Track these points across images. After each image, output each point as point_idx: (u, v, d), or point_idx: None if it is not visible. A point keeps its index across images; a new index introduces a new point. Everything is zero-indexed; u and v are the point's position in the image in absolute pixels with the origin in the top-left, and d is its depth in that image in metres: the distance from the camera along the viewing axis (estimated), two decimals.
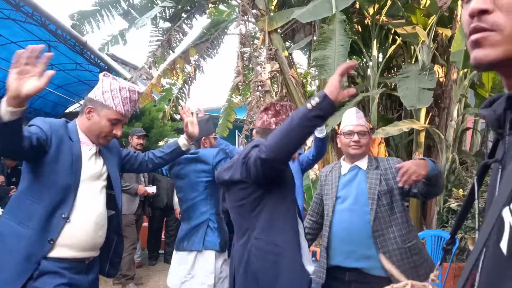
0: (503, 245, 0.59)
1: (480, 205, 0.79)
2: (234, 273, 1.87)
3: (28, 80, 1.48)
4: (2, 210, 4.90)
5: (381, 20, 4.87)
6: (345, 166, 2.31)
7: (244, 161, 1.75)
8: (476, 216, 0.79)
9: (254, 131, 2.20)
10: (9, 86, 1.46)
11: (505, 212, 0.58)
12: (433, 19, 4.63)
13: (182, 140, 2.34)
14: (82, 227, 1.84)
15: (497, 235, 0.60)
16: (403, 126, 4.20)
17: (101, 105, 1.91)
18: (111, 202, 2.02)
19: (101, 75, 1.99)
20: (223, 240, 2.72)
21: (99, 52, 7.42)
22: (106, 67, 8.47)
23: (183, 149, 2.34)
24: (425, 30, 4.58)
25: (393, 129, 4.12)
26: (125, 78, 7.88)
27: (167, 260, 6.20)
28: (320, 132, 3.21)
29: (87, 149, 1.92)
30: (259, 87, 5.31)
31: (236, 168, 1.82)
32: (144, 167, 2.31)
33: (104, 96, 1.92)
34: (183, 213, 2.83)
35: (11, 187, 5.31)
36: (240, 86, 6.32)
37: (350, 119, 2.29)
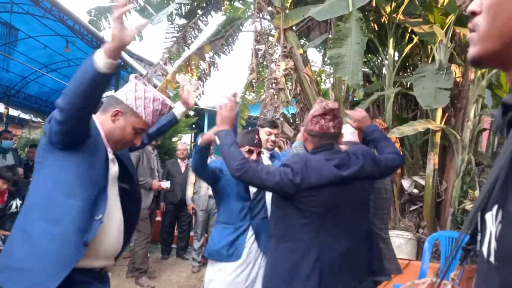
0: (484, 249, 0.61)
1: None
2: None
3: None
4: (20, 202, 5.00)
5: (398, 18, 4.82)
6: None
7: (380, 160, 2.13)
8: None
9: (301, 134, 2.25)
10: (114, 36, 1.41)
11: (488, 216, 0.60)
12: (451, 18, 4.57)
13: (178, 110, 2.31)
14: (110, 233, 1.70)
15: (481, 238, 0.63)
16: (419, 126, 4.17)
17: (131, 111, 1.75)
18: (132, 203, 1.88)
19: (132, 77, 1.82)
20: None
21: None
22: (122, 63, 8.55)
23: (179, 118, 2.34)
24: (442, 29, 4.52)
25: (408, 129, 4.09)
26: (140, 74, 7.94)
27: (180, 255, 6.26)
28: None
29: (108, 149, 1.77)
30: (273, 85, 5.31)
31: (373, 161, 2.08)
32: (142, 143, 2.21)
33: (136, 103, 1.76)
34: None
35: (30, 179, 5.41)
36: (254, 84, 6.33)
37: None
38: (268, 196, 2.66)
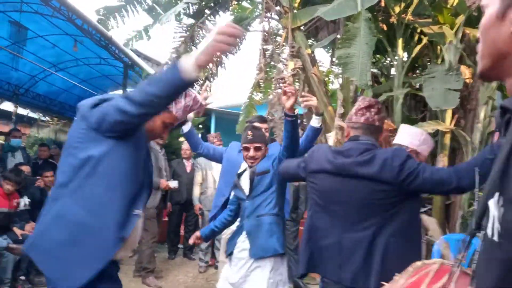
0: (489, 230, 0.71)
1: None
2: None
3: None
4: (29, 200, 5.03)
5: (407, 19, 4.78)
6: None
7: (402, 168, 1.86)
8: None
9: (348, 128, 2.18)
10: (211, 53, 1.50)
11: (490, 203, 0.71)
12: (461, 18, 4.52)
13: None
14: (138, 226, 1.71)
15: (485, 223, 0.73)
16: (428, 127, 4.13)
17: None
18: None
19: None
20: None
21: (123, 47, 7.52)
22: (130, 62, 8.57)
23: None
24: (452, 29, 4.48)
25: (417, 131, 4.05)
26: (147, 74, 7.97)
27: (186, 255, 6.26)
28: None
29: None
30: (281, 85, 5.29)
31: (383, 163, 1.90)
32: None
33: None
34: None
35: (37, 177, 5.43)
36: (261, 84, 6.31)
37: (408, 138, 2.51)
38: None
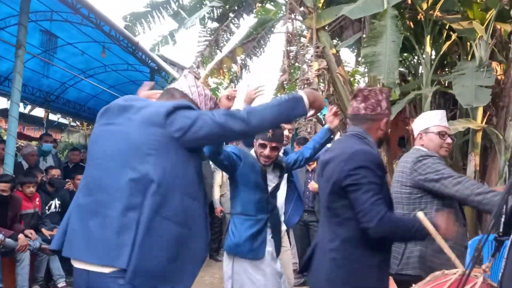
0: None
1: None
2: None
3: None
4: (59, 202, 5.15)
5: (435, 15, 4.68)
6: None
7: (349, 184, 1.74)
8: None
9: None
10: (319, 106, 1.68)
11: None
12: (491, 13, 4.40)
13: None
14: None
15: None
16: (459, 125, 4.02)
17: (196, 106, 1.72)
18: None
19: (187, 72, 1.81)
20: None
21: (150, 52, 7.64)
22: (156, 67, 8.70)
23: None
24: (482, 25, 4.36)
25: None
26: (173, 79, 8.07)
27: (212, 256, 6.28)
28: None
29: None
30: (306, 85, 5.26)
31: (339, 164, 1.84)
32: None
33: (199, 99, 1.75)
34: None
35: (66, 180, 5.57)
36: (285, 85, 6.30)
37: (444, 119, 2.34)
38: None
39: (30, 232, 4.33)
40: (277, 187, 2.73)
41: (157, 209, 1.47)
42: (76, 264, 1.52)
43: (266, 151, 2.54)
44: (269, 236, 2.60)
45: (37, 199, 4.82)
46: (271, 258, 2.59)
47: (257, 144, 2.59)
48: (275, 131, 2.57)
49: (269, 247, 2.59)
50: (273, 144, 2.55)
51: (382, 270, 1.78)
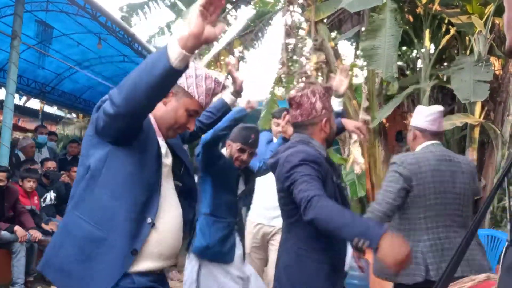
0: None
1: None
2: None
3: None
4: (55, 194, 5.12)
5: (434, 9, 4.65)
6: None
7: (287, 176, 1.72)
8: None
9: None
10: (193, 23, 1.21)
11: None
12: (490, 8, 4.38)
13: (227, 97, 2.21)
14: (167, 233, 1.55)
15: None
16: (456, 120, 4.02)
17: (183, 91, 1.59)
18: (188, 196, 1.74)
19: None
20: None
21: (147, 44, 7.58)
22: None
23: (230, 104, 2.22)
24: (481, 19, 4.34)
25: (445, 123, 3.92)
26: None
27: None
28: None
29: (160, 140, 1.61)
30: (304, 79, 5.24)
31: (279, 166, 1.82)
32: (194, 136, 2.17)
33: (187, 82, 1.59)
34: None
35: (61, 172, 5.55)
36: (283, 78, 6.27)
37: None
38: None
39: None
40: (249, 192, 2.77)
41: (74, 205, 1.49)
42: None
43: (244, 156, 2.53)
44: (238, 239, 2.57)
45: (36, 197, 4.80)
46: (240, 261, 2.55)
47: (235, 147, 2.53)
48: (256, 136, 2.56)
49: (239, 250, 2.56)
50: (252, 150, 2.55)
51: (332, 273, 1.76)
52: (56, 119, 14.57)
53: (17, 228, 4.12)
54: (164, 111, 1.60)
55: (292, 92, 1.87)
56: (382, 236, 1.38)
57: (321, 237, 1.67)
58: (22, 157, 5.66)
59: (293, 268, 1.73)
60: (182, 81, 1.57)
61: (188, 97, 1.60)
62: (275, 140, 2.97)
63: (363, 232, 1.42)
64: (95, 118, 1.45)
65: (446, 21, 4.84)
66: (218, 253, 2.44)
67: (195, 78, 1.60)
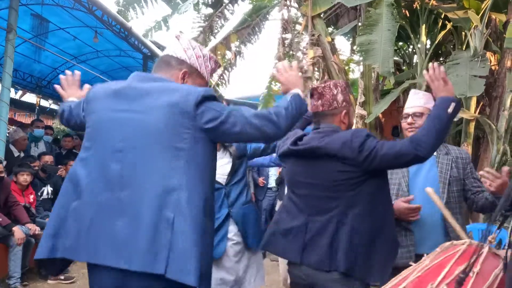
0: None
1: None
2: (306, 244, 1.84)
3: None
4: (51, 188, 5.12)
5: (430, 4, 4.66)
6: None
7: (362, 149, 1.75)
8: None
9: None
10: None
11: None
12: (486, 3, 4.39)
13: None
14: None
15: None
16: None
17: (196, 71, 1.59)
18: None
19: (179, 33, 1.65)
20: None
21: (143, 38, 7.56)
22: (149, 54, 8.62)
23: None
24: (478, 14, 4.34)
25: None
26: None
27: None
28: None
29: None
30: (300, 73, 5.23)
31: (342, 145, 1.79)
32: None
33: (198, 61, 1.59)
34: None
35: (59, 166, 5.54)
36: None
37: (408, 101, 2.30)
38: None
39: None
40: (240, 177, 2.50)
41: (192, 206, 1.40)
42: (100, 268, 1.40)
43: None
44: (234, 232, 2.42)
45: (32, 196, 4.77)
46: (234, 254, 2.42)
47: None
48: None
49: (233, 243, 2.42)
50: None
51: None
52: (52, 113, 14.53)
53: (15, 229, 4.10)
54: None
55: (315, 83, 1.95)
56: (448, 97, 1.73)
57: (381, 200, 1.85)
58: (15, 150, 5.58)
59: (361, 238, 1.76)
60: (194, 62, 1.59)
61: (200, 78, 1.62)
62: None
63: (442, 110, 1.70)
64: (212, 117, 1.45)
65: (442, 16, 4.85)
66: None
67: (203, 58, 1.61)
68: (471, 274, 1.15)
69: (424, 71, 1.88)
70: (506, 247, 1.02)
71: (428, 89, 4.68)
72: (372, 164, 1.74)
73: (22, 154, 5.64)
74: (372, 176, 1.80)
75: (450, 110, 1.69)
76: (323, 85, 1.96)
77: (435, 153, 2.18)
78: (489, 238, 1.13)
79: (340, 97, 1.93)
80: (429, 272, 1.28)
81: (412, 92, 2.33)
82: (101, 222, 1.39)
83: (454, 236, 1.96)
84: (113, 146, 1.44)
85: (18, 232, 4.09)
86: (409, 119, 2.23)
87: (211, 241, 1.50)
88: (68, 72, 2.05)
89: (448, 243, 1.43)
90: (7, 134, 5.71)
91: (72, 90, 1.99)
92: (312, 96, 1.97)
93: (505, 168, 2.07)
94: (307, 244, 1.83)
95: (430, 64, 1.85)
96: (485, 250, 1.25)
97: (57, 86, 2.00)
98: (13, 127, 7.52)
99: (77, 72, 2.04)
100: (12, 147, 5.57)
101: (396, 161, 1.75)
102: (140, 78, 1.58)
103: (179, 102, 1.43)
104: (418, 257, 1.95)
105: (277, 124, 1.53)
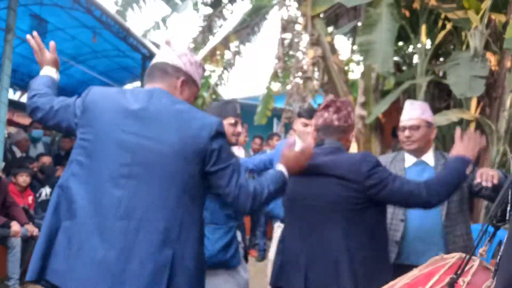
0: None
1: None
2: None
3: None
4: (50, 190, 5.09)
5: (430, 4, 4.65)
6: (409, 159, 2.26)
7: (370, 175, 1.71)
8: None
9: (314, 131, 2.03)
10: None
11: None
12: (486, 3, 4.37)
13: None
14: None
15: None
16: (452, 115, 4.03)
17: (191, 79, 1.57)
18: None
19: (170, 41, 1.61)
20: None
21: (142, 38, 7.53)
22: (148, 54, 8.60)
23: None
24: (478, 15, 4.34)
25: (441, 119, 3.96)
26: None
27: None
28: None
29: None
30: (300, 73, 5.23)
31: (350, 167, 1.74)
32: None
33: (192, 69, 1.56)
34: None
35: (56, 167, 5.52)
36: (279, 73, 6.26)
37: (404, 112, 2.28)
38: None
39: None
40: None
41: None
42: None
43: (239, 128, 2.28)
44: (240, 243, 2.39)
45: (30, 197, 4.75)
46: (241, 265, 2.38)
47: (227, 123, 2.24)
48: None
49: (241, 247, 2.39)
50: (241, 120, 2.32)
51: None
52: None
53: (13, 223, 4.10)
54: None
55: (331, 96, 1.95)
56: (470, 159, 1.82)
57: (381, 230, 1.82)
58: (17, 151, 5.61)
59: (363, 263, 1.72)
60: (189, 69, 1.55)
61: (195, 86, 1.61)
62: (297, 140, 2.60)
63: (461, 168, 1.78)
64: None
65: (442, 16, 4.83)
66: (223, 260, 2.25)
67: (195, 65, 1.59)
68: (461, 283, 1.13)
69: (459, 131, 1.96)
70: (497, 259, 1.00)
71: (426, 93, 4.68)
72: (378, 194, 1.70)
73: (24, 155, 5.64)
74: (373, 205, 1.75)
75: (468, 171, 1.77)
76: (342, 99, 1.94)
77: (433, 163, 2.19)
78: (480, 250, 1.11)
79: (353, 116, 1.92)
80: (417, 281, 1.27)
81: (408, 103, 2.31)
82: (91, 249, 1.32)
83: (455, 249, 1.94)
84: (117, 170, 1.37)
85: (15, 225, 4.08)
86: (407, 133, 2.20)
87: (204, 263, 1.53)
88: (34, 33, 1.91)
89: (438, 256, 1.41)
90: (6, 135, 5.70)
91: (43, 55, 1.92)
92: (326, 108, 1.91)
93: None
94: (309, 268, 1.77)
95: (472, 131, 1.90)
96: (476, 263, 1.24)
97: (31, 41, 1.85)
98: (12, 128, 7.50)
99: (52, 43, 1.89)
100: (14, 148, 5.60)
101: (405, 200, 1.73)
102: (157, 96, 1.48)
103: (193, 136, 1.41)
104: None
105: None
